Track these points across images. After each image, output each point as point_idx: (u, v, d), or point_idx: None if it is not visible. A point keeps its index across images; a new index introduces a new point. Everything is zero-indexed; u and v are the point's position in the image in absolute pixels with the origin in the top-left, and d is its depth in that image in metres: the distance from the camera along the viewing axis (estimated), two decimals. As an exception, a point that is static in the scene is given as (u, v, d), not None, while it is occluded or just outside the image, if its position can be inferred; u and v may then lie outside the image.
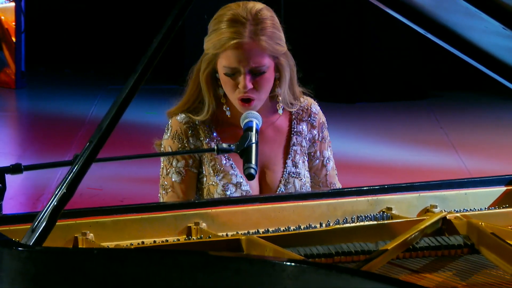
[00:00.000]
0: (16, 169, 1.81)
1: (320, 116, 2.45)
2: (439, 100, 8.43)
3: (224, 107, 2.31)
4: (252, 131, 2.01)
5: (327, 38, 8.29)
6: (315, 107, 2.44)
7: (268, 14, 2.22)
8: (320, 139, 2.44)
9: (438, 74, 8.65)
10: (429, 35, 1.84)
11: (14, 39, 8.30)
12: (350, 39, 8.30)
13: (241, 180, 2.31)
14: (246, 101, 2.22)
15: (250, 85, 2.18)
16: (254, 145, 1.96)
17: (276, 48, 2.22)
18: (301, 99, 2.40)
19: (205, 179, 2.33)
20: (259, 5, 2.22)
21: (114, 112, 1.53)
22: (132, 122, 6.69)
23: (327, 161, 2.45)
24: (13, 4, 8.31)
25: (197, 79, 2.29)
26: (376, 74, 8.35)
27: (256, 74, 2.19)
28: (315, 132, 2.43)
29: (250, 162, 1.94)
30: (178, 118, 2.34)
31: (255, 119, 2.06)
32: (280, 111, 2.36)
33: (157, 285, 1.37)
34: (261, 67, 2.19)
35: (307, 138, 2.42)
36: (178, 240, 1.86)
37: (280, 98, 2.32)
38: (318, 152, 2.44)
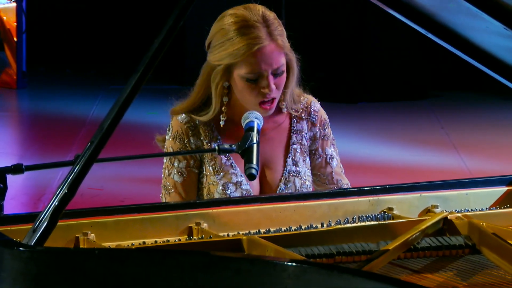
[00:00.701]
0: (17, 169, 1.81)
1: (321, 113, 2.44)
2: (440, 100, 8.43)
3: (222, 115, 2.31)
4: (253, 131, 2.01)
5: (327, 38, 8.29)
6: (315, 105, 2.44)
7: (271, 13, 2.24)
8: (322, 136, 2.44)
9: (439, 74, 8.64)
10: (430, 35, 1.84)
11: (15, 39, 8.31)
12: (350, 39, 8.30)
13: (241, 179, 2.31)
14: (269, 102, 2.22)
15: (274, 86, 2.19)
16: (255, 145, 1.96)
17: (287, 45, 2.24)
18: (301, 98, 2.41)
19: (205, 178, 2.33)
20: (260, 6, 2.23)
21: (115, 112, 1.53)
22: (134, 122, 6.69)
23: (331, 158, 2.44)
24: (14, 4, 8.31)
25: (204, 86, 2.29)
26: (376, 74, 8.35)
27: (277, 74, 2.21)
28: (316, 130, 2.43)
29: (251, 162, 1.94)
30: (179, 118, 2.34)
31: (257, 119, 2.06)
32: (284, 109, 2.36)
33: (158, 285, 1.37)
34: (281, 66, 2.20)
35: (308, 137, 2.42)
36: (180, 240, 1.86)
37: (284, 96, 2.33)
38: (320, 149, 2.44)
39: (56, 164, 2.12)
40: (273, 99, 2.22)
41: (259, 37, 2.16)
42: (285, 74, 2.23)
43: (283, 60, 2.21)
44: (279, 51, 2.19)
